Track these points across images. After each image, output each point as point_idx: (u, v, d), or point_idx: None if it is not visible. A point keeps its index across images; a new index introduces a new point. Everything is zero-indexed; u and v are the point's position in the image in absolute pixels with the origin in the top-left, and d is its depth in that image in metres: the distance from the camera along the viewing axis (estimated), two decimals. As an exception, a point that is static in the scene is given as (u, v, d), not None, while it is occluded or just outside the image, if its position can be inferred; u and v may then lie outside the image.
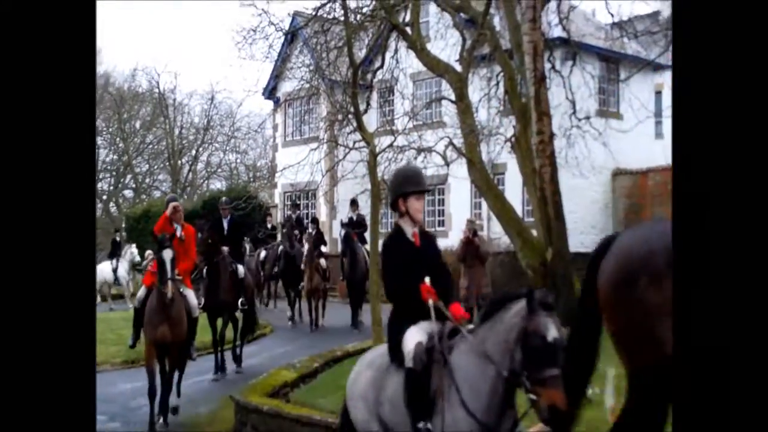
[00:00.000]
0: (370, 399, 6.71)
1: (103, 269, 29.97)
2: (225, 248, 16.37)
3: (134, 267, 30.71)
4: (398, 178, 7.16)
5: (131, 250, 30.52)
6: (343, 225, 22.04)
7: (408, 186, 6.92)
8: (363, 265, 20.61)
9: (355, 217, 22.33)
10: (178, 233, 12.71)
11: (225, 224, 17.03)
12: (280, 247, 23.48)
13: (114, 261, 30.36)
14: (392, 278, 6.90)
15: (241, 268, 16.66)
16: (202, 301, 15.61)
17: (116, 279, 30.19)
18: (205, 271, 16.24)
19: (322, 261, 21.44)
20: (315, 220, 23.17)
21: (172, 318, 12.09)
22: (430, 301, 6.47)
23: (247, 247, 24.46)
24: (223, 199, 18.56)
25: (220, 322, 16.38)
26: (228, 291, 16.14)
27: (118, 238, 32.84)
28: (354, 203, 22.33)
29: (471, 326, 6.47)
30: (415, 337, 6.41)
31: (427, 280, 6.52)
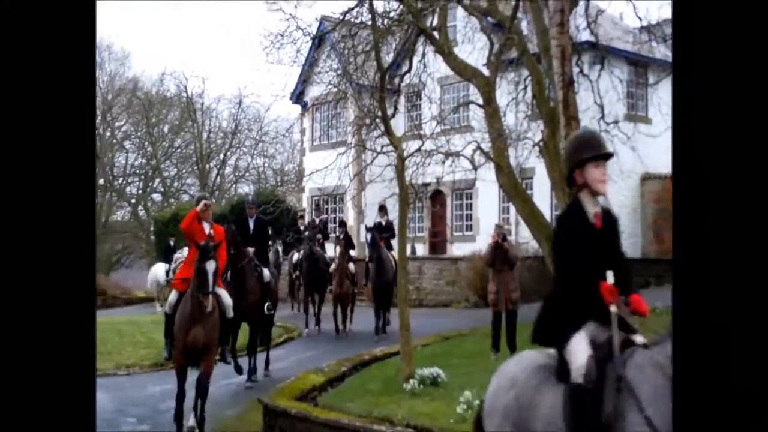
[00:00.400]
0: (517, 418, 5.82)
1: (157, 271, 30.05)
2: (251, 249, 15.94)
3: None
4: (573, 145, 6.15)
5: (184, 254, 30.03)
6: (368, 229, 21.71)
7: (584, 152, 5.91)
8: (390, 271, 20.41)
9: (383, 222, 22.09)
10: (207, 230, 12.36)
11: (251, 224, 16.63)
12: (301, 251, 23.26)
13: (168, 264, 30.00)
14: (565, 264, 5.93)
15: (266, 272, 16.17)
16: None
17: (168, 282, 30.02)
18: (229, 274, 15.38)
19: (351, 266, 21.29)
20: (343, 224, 23.02)
21: (207, 323, 11.72)
22: (613, 307, 5.55)
23: (279, 249, 24.32)
24: (249, 197, 18.39)
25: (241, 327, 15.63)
26: (254, 295, 15.61)
27: (172, 243, 32.63)
28: (383, 209, 22.20)
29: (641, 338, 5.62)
30: (584, 347, 5.55)
31: (609, 276, 5.62)
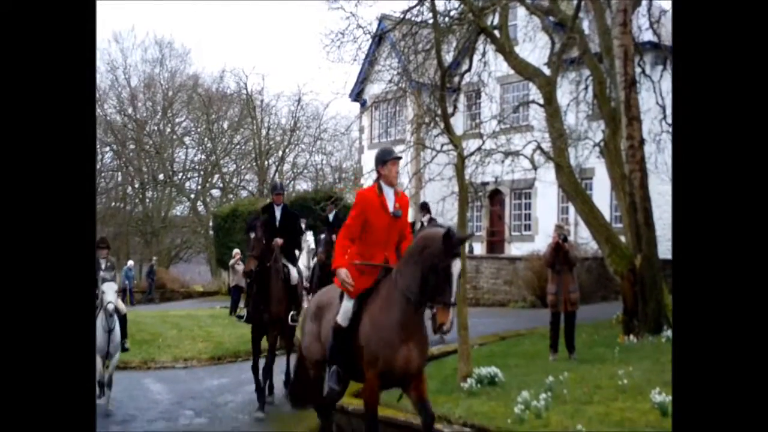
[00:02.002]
0: None
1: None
2: (279, 240, 13.79)
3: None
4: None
5: (308, 238, 26.69)
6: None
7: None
8: None
9: (424, 222, 19.95)
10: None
11: (277, 213, 14.39)
12: None
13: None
14: None
15: (294, 272, 13.98)
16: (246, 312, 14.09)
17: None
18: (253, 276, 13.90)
19: None
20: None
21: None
22: None
23: (311, 241, 23.43)
24: (276, 181, 17.29)
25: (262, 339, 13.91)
26: (279, 302, 13.50)
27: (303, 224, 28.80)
28: (424, 207, 20.78)
29: None
30: None
31: None
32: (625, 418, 9.13)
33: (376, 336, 8.13)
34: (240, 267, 26.28)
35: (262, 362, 13.67)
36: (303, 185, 58.39)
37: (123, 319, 14.14)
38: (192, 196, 60.36)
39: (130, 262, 44.11)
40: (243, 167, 61.22)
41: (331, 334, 8.59)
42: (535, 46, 21.99)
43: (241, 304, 19.58)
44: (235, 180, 61.24)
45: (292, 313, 13.65)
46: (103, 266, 14.14)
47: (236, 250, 28.48)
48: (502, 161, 17.15)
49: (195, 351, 19.23)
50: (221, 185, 60.81)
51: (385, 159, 8.64)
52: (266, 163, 58.28)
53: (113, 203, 60.46)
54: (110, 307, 13.16)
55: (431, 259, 7.81)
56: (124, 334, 14.09)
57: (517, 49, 20.38)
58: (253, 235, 13.46)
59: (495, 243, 33.55)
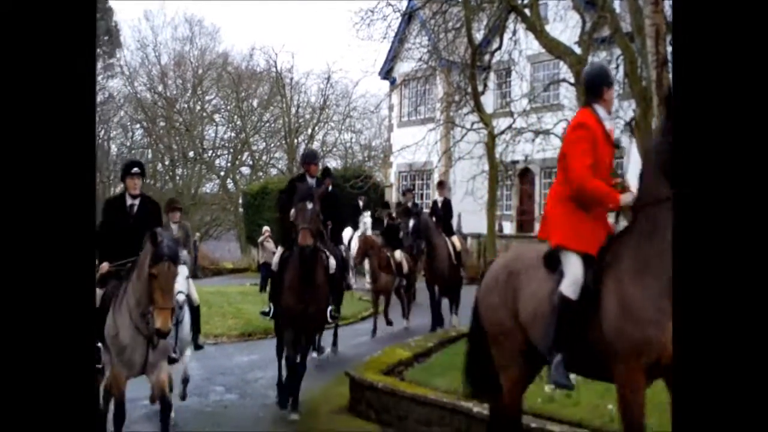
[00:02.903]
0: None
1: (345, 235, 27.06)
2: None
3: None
4: None
5: (365, 219, 25.00)
6: (404, 213, 19.07)
7: None
8: (444, 260, 18.13)
9: (439, 202, 19.11)
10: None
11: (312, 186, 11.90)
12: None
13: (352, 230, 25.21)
14: None
15: (332, 261, 11.86)
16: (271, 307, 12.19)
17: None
18: (279, 259, 11.96)
19: (398, 254, 18.83)
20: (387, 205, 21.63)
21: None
22: None
23: (368, 222, 22.97)
24: (311, 148, 15.99)
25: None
26: (319, 303, 11.56)
27: (361, 203, 27.64)
28: (441, 184, 19.37)
29: None
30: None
31: None
32: (656, 397, 9.15)
33: (637, 313, 6.17)
34: (269, 244, 26.40)
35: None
36: (332, 163, 58.45)
37: (195, 312, 11.71)
38: (222, 173, 60.53)
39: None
40: (272, 145, 61.33)
41: (556, 310, 6.66)
42: (566, 26, 21.86)
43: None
44: (264, 158, 61.37)
45: (330, 308, 11.79)
46: (175, 232, 12.20)
47: (266, 227, 28.60)
48: (533, 140, 17.18)
49: (225, 327, 19.34)
50: (251, 163, 60.95)
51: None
52: (296, 141, 58.34)
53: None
54: (180, 297, 10.54)
55: None
56: (197, 329, 11.81)
57: (547, 28, 20.29)
58: (308, 205, 10.99)
59: (525, 222, 33.49)
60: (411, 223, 18.09)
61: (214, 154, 61.06)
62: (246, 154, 60.56)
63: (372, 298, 18.64)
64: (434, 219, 18.65)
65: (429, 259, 18.07)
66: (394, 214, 20.46)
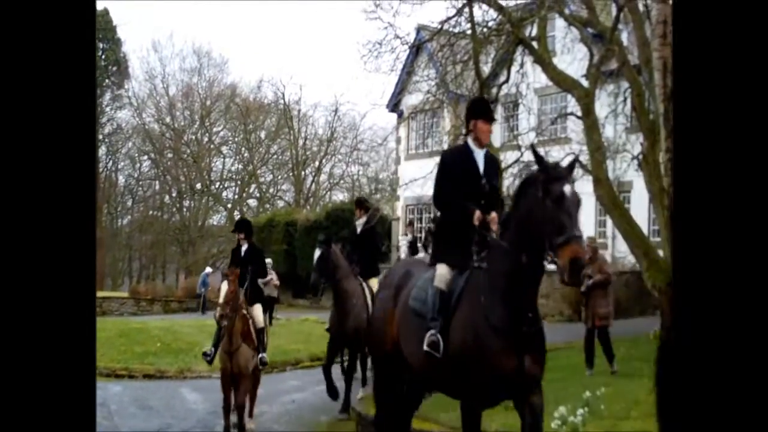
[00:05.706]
0: None
1: None
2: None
3: None
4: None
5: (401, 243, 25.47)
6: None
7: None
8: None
9: (409, 239, 19.98)
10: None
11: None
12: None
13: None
14: None
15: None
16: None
17: None
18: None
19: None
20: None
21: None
22: None
23: None
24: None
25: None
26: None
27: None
28: (411, 224, 20.57)
29: None
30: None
31: None
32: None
33: None
34: (271, 276, 26.31)
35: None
36: (339, 196, 58.55)
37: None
38: (229, 205, 60.69)
39: (209, 269, 43.85)
40: (280, 177, 61.56)
41: None
42: (573, 58, 21.84)
43: None
44: (271, 190, 61.56)
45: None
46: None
47: (268, 260, 28.47)
48: (541, 173, 17.07)
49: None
50: (258, 195, 61.12)
51: None
52: (303, 173, 58.54)
53: (151, 212, 60.94)
54: None
55: None
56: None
57: (555, 61, 20.26)
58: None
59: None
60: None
61: (221, 186, 61.27)
62: (253, 186, 60.74)
63: None
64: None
65: None
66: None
